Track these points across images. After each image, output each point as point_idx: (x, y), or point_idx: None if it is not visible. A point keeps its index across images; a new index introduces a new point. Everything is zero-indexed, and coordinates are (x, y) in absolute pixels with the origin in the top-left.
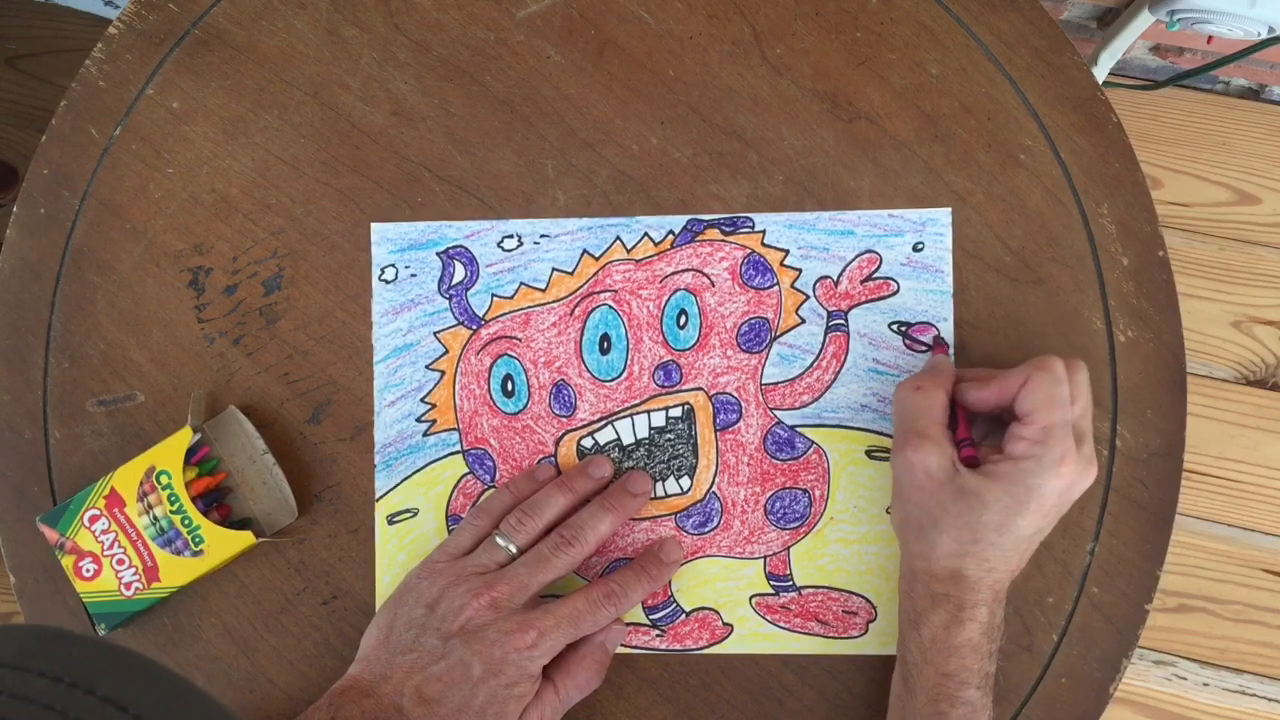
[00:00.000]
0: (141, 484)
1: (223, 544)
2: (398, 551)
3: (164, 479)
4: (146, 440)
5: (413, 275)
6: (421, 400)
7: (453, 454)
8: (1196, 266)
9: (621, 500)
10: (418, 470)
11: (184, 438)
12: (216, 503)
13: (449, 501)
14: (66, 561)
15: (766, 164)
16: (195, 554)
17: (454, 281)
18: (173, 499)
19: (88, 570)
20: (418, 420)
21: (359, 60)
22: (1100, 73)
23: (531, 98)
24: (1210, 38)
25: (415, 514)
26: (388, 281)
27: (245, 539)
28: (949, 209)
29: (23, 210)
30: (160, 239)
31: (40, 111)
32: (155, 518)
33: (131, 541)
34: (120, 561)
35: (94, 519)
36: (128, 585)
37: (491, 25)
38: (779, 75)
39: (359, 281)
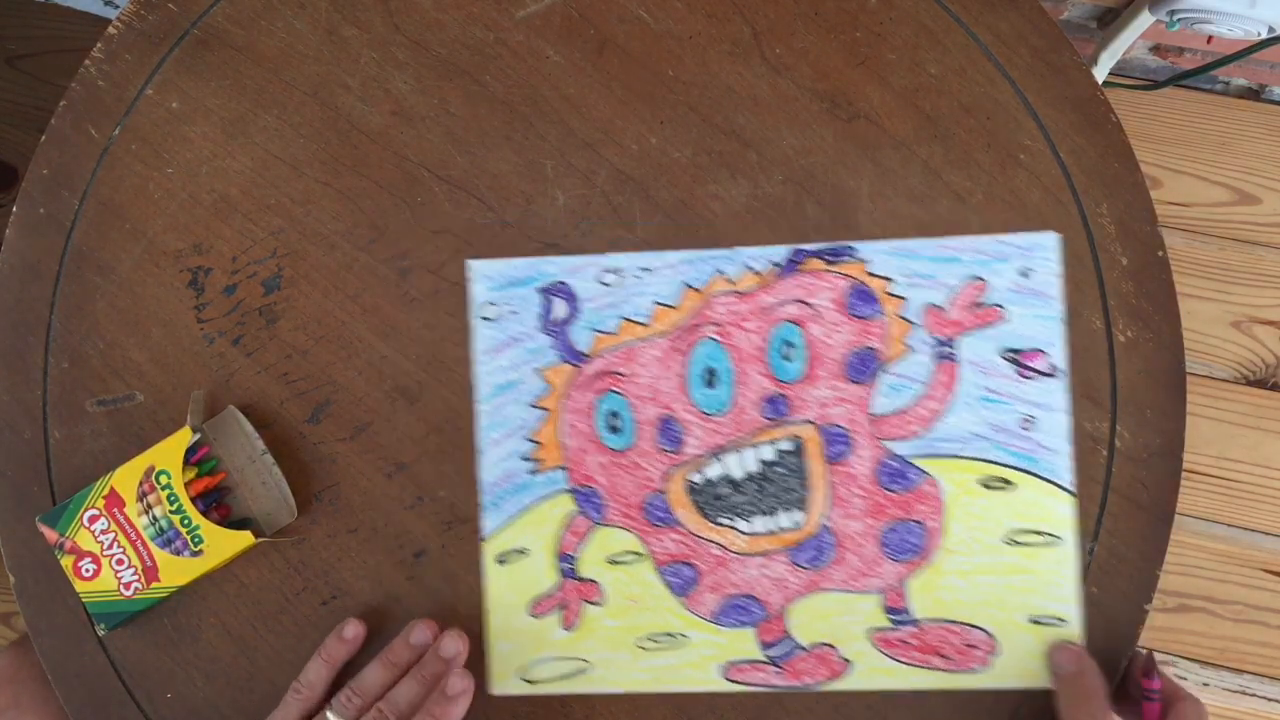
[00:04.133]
0: (141, 484)
1: (222, 544)
2: (507, 591)
3: (163, 479)
4: (146, 440)
5: (513, 312)
6: (526, 438)
7: (561, 492)
8: (1196, 266)
9: (435, 669)
10: (525, 509)
11: (183, 438)
12: (216, 503)
13: (559, 540)
14: (66, 561)
15: (766, 164)
16: (194, 554)
17: (555, 318)
18: (172, 499)
19: (87, 570)
20: (523, 459)
21: (359, 60)
22: (1100, 73)
23: (531, 97)
24: (1210, 38)
25: (525, 553)
26: (489, 319)
27: (244, 539)
28: (1057, 234)
29: (22, 210)
30: (160, 239)
31: (40, 111)
32: (155, 518)
33: (131, 541)
34: (120, 561)
35: (93, 519)
36: (127, 585)
37: (491, 25)
38: (779, 75)
39: (358, 281)
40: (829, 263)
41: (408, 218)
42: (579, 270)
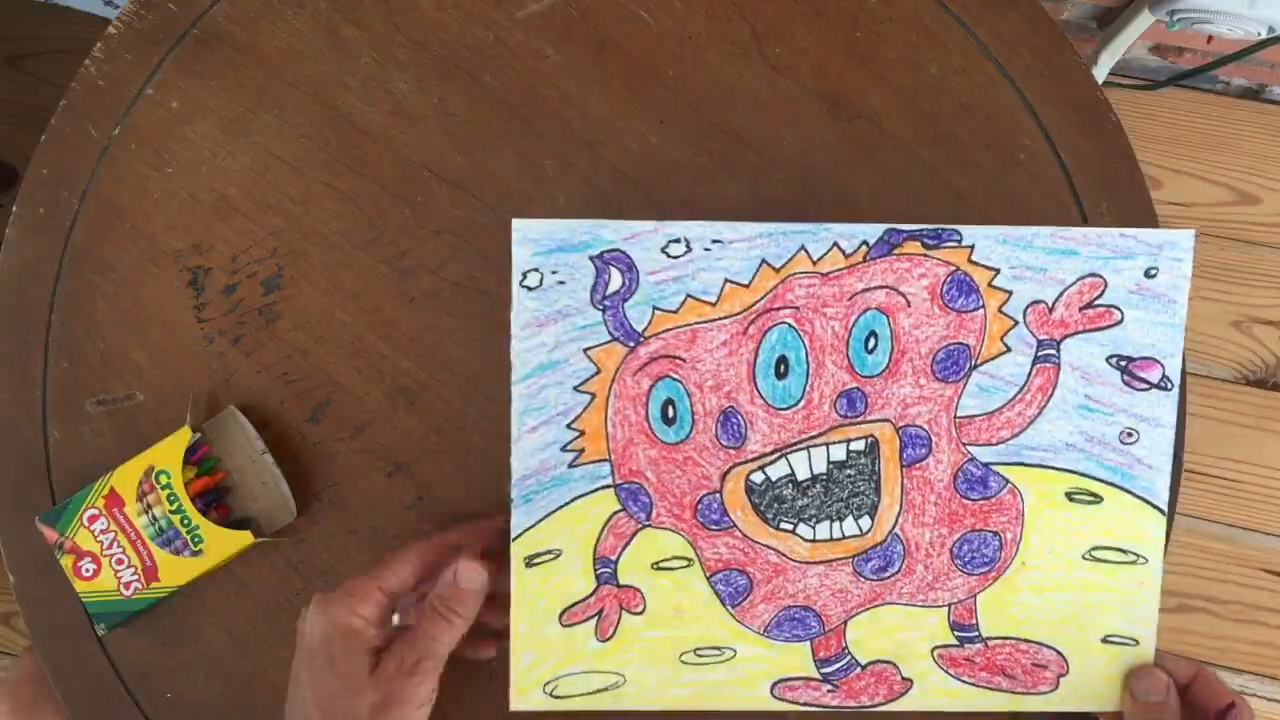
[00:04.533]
0: (140, 484)
1: (222, 544)
2: (538, 597)
3: (163, 479)
4: (145, 440)
5: (560, 282)
6: (568, 426)
7: (603, 488)
8: (1196, 266)
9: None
10: (562, 506)
11: (183, 437)
12: (215, 502)
13: (597, 542)
14: (66, 561)
15: (766, 164)
16: (194, 554)
17: (610, 291)
18: (172, 499)
19: (87, 570)
20: (563, 449)
21: (358, 60)
22: (1100, 73)
23: (531, 97)
24: (1210, 38)
25: (558, 555)
26: (531, 288)
27: (244, 539)
28: (1192, 232)
29: (22, 210)
30: (159, 239)
31: (40, 111)
32: (154, 517)
33: (131, 541)
34: (119, 561)
35: (93, 519)
36: (127, 585)
37: (491, 25)
38: (779, 75)
39: (358, 281)
40: (928, 247)
41: (408, 218)
42: (641, 237)
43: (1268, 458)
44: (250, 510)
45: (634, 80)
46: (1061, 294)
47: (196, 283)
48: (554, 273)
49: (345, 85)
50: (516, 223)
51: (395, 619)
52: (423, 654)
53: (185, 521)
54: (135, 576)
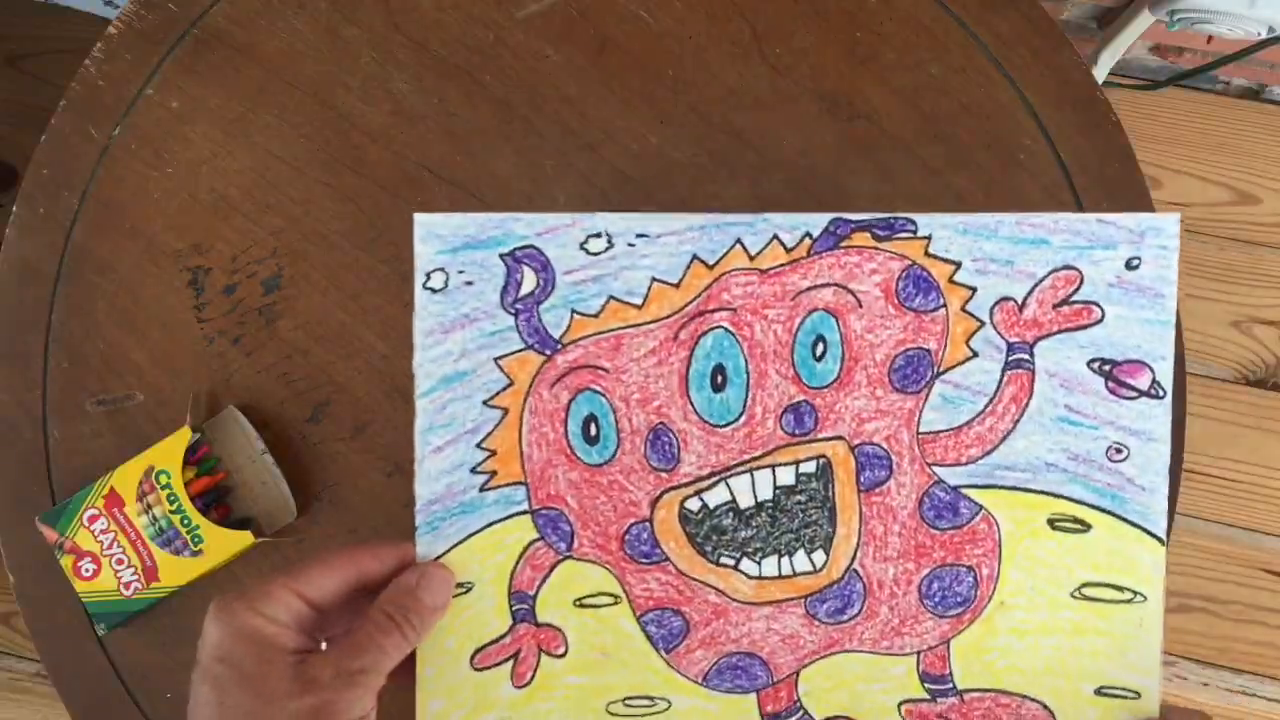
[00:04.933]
0: (140, 484)
1: (222, 544)
2: (446, 636)
3: (163, 479)
4: (145, 440)
5: (468, 283)
6: (478, 446)
7: (518, 514)
8: (1196, 266)
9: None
10: (473, 534)
11: (183, 437)
12: (215, 502)
13: (513, 575)
14: (66, 561)
15: (766, 164)
16: (194, 554)
17: (522, 293)
18: (172, 499)
19: (87, 570)
20: (473, 471)
21: (359, 60)
22: (1100, 73)
23: (531, 97)
24: (1210, 38)
25: (469, 589)
26: (435, 290)
27: (244, 539)
28: (1177, 216)
29: (22, 210)
30: (159, 239)
31: (40, 111)
32: (154, 517)
33: (131, 541)
34: (119, 561)
35: (93, 519)
36: (127, 585)
37: (491, 25)
38: (779, 75)
39: (358, 281)
40: (880, 238)
41: (408, 218)
42: (556, 232)
43: (1268, 458)
44: (250, 510)
45: (634, 80)
46: (1033, 290)
47: (196, 283)
48: (461, 272)
49: (345, 85)
50: (419, 217)
51: (324, 646)
52: (368, 664)
53: (185, 521)
54: (135, 576)
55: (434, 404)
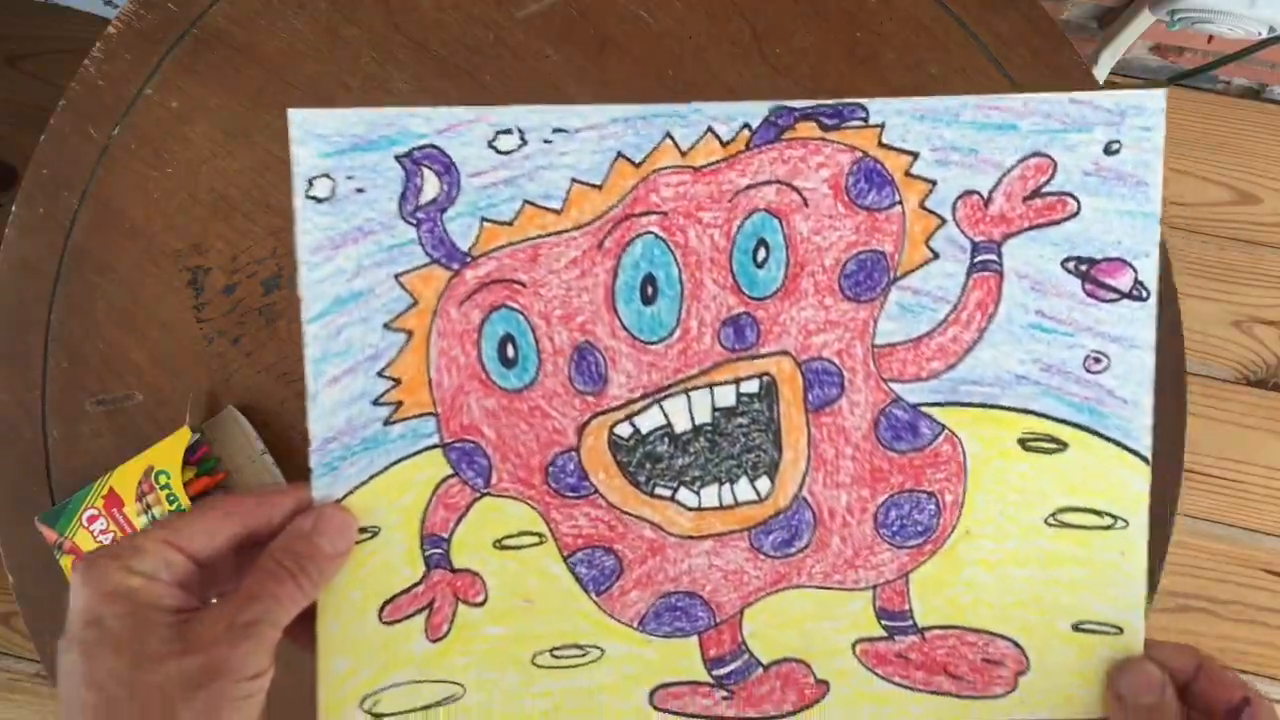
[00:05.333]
0: (140, 484)
1: None
2: (351, 587)
3: (162, 479)
4: (145, 440)
5: (359, 190)
6: (380, 374)
7: (429, 449)
8: (1196, 266)
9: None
10: (377, 474)
11: (182, 437)
12: None
13: (424, 516)
14: (65, 561)
15: None
16: None
17: (424, 200)
18: (171, 499)
19: None
20: (375, 403)
21: (359, 59)
22: (1100, 73)
23: (531, 98)
24: (1210, 37)
25: (375, 534)
26: (320, 200)
27: None
28: (1163, 92)
29: (22, 210)
30: (159, 239)
31: (40, 111)
32: (154, 518)
33: None
34: None
35: (92, 519)
36: None
37: (491, 25)
38: (779, 75)
39: None
40: (827, 128)
41: None
42: (460, 129)
43: (1268, 458)
44: None
45: (634, 80)
46: (1000, 181)
47: (196, 283)
48: (350, 178)
49: (345, 85)
50: (294, 114)
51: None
52: (259, 615)
53: None
54: None
55: (327, 329)
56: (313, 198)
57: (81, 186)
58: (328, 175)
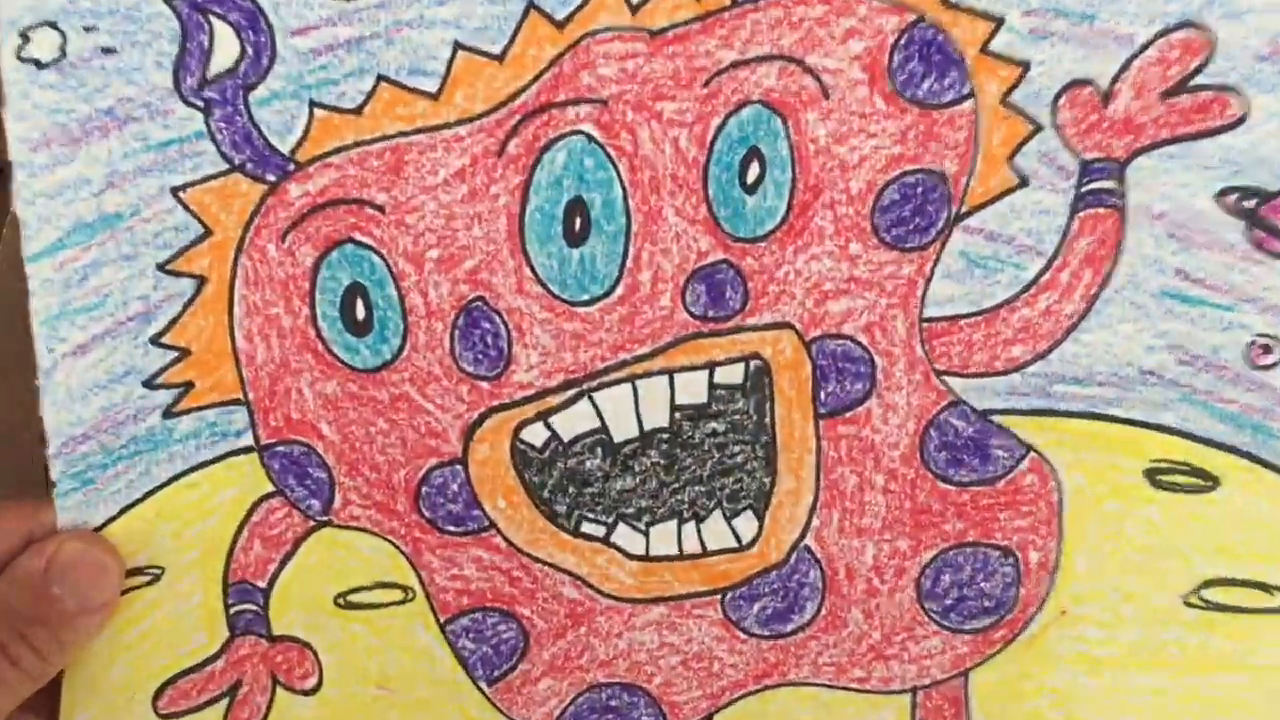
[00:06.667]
0: None
1: None
2: (111, 662)
3: None
4: None
5: (106, 50)
6: (155, 341)
7: (236, 453)
8: None
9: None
10: (158, 487)
11: None
12: None
13: (230, 554)
14: None
15: None
16: None
17: (216, 69)
18: None
19: None
20: (148, 384)
21: None
22: None
23: None
24: None
25: (155, 579)
26: (44, 64)
27: None
28: None
29: None
30: None
31: None
32: None
33: None
34: None
35: None
36: None
37: None
38: None
39: None
40: None
41: None
42: None
43: None
44: None
45: None
46: (1127, 65)
47: None
48: (91, 30)
49: None
50: None
51: None
52: None
53: None
54: None
55: (63, 271)
56: (30, 60)
57: None
58: (53, 24)
